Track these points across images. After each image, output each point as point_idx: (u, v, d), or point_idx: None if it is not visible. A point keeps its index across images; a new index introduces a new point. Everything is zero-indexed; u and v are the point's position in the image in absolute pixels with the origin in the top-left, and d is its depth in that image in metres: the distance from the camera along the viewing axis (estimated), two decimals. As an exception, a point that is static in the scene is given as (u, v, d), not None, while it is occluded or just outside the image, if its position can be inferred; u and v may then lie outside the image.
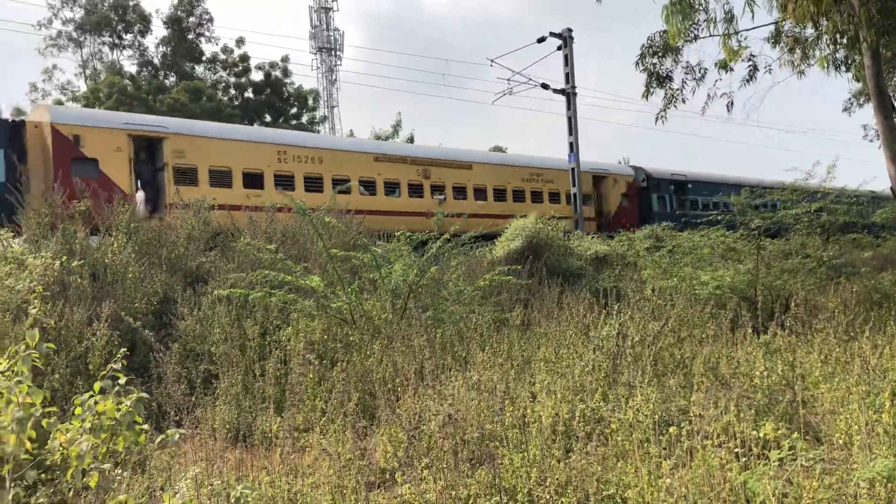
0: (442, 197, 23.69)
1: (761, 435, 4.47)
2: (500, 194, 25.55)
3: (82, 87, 44.48)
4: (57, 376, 6.49)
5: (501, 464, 4.79)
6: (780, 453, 4.20)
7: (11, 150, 15.54)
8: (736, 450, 4.33)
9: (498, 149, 49.99)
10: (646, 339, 7.07)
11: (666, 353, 7.19)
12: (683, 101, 13.89)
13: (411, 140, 46.73)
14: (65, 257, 8.52)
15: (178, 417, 5.25)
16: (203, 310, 8.97)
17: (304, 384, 6.62)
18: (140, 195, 17.22)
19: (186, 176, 18.37)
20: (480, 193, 24.99)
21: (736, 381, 6.25)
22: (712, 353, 7.24)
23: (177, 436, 3.13)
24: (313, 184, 20.85)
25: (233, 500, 3.16)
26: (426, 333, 7.53)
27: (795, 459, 4.15)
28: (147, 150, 18.52)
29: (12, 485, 2.71)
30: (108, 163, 17.18)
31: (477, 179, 24.97)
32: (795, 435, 4.28)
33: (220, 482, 3.81)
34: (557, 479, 4.52)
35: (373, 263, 9.82)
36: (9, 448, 2.65)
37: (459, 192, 24.41)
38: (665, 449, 4.69)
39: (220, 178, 18.98)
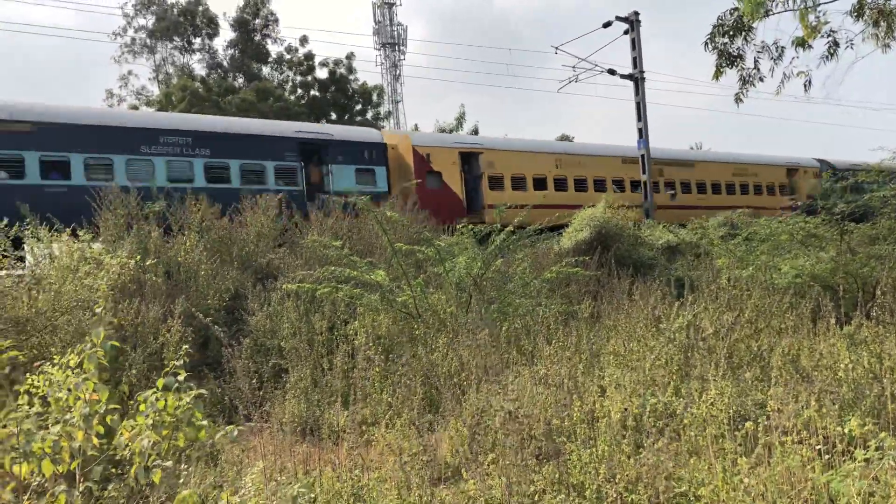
0: (672, 192, 27.13)
1: (846, 431, 4.20)
2: (716, 188, 29.11)
3: (155, 91, 46.16)
4: (134, 372, 6.72)
5: (569, 459, 4.69)
6: (866, 452, 3.94)
7: (384, 167, 21.05)
8: (818, 447, 4.09)
9: (565, 138, 49.32)
10: (720, 330, 6.80)
11: (742, 345, 6.90)
12: (761, 80, 13.25)
13: (476, 132, 46.63)
14: (138, 256, 8.83)
15: (246, 412, 5.34)
16: (273, 305, 9.15)
17: (371, 378, 6.66)
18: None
19: (496, 182, 22.99)
20: (701, 188, 28.63)
21: (818, 375, 5.93)
22: (792, 344, 6.90)
23: (235, 432, 3.16)
24: (580, 185, 24.73)
25: (290, 499, 3.17)
26: (487, 327, 7.45)
27: (883, 458, 3.88)
28: (468, 163, 23.05)
29: (82, 479, 2.81)
30: (447, 174, 21.97)
31: (698, 176, 28.70)
32: (884, 434, 4.00)
33: (283, 477, 3.85)
34: (627, 475, 4.38)
35: (436, 257, 9.80)
36: (76, 444, 2.75)
37: (685, 186, 28.05)
38: (741, 445, 4.48)
39: (519, 183, 23.50)
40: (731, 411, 4.96)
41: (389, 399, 6.33)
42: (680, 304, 7.75)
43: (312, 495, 3.61)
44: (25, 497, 2.77)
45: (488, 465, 4.60)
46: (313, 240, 10.93)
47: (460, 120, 47.92)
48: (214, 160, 17.73)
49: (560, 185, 24.32)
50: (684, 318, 6.98)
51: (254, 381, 6.21)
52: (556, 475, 4.50)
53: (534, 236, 12.45)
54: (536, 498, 4.34)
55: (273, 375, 7.41)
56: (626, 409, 5.41)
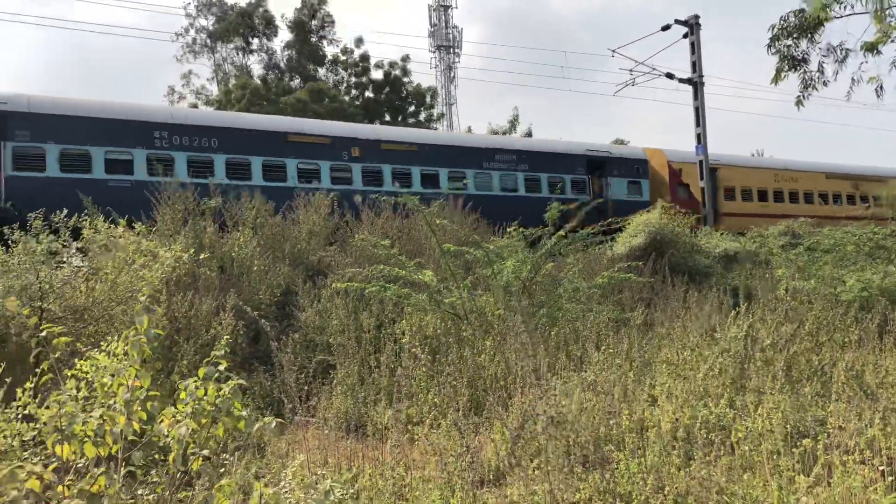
0: (867, 205, 29.57)
1: (912, 453, 3.98)
2: None
3: (215, 90, 47.19)
4: (185, 362, 6.84)
5: (616, 468, 4.56)
6: (936, 475, 3.72)
7: (647, 179, 24.95)
8: (881, 468, 3.88)
9: (620, 142, 48.67)
10: (778, 342, 6.55)
11: (801, 359, 6.63)
12: (825, 84, 12.81)
13: (529, 134, 46.39)
14: (192, 250, 9.00)
15: (292, 405, 5.37)
16: (322, 302, 9.23)
17: (417, 378, 6.64)
18: None
19: (729, 193, 26.50)
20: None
21: (883, 392, 5.65)
22: (856, 359, 6.60)
23: (273, 423, 3.16)
24: (793, 197, 28.02)
25: (323, 493, 3.15)
26: (527, 331, 7.34)
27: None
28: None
29: (123, 463, 2.85)
30: (692, 185, 24.73)
31: (892, 191, 30.26)
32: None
33: (325, 471, 3.83)
34: (676, 488, 4.23)
35: (485, 259, 9.73)
36: (117, 428, 2.79)
37: (876, 200, 30.20)
38: (798, 463, 4.28)
39: (746, 195, 27.11)
40: (787, 426, 4.76)
41: (435, 399, 6.29)
42: (736, 313, 7.50)
43: (353, 491, 3.58)
44: (67, 477, 2.82)
45: (532, 471, 4.51)
46: (362, 238, 11.00)
47: (514, 122, 47.78)
48: (531, 173, 22.08)
49: (778, 196, 27.74)
50: (740, 328, 6.75)
51: (301, 375, 6.25)
52: (603, 484, 4.38)
53: (586, 240, 12.26)
54: (581, 506, 4.23)
55: (321, 371, 7.45)
56: (677, 420, 5.24)
